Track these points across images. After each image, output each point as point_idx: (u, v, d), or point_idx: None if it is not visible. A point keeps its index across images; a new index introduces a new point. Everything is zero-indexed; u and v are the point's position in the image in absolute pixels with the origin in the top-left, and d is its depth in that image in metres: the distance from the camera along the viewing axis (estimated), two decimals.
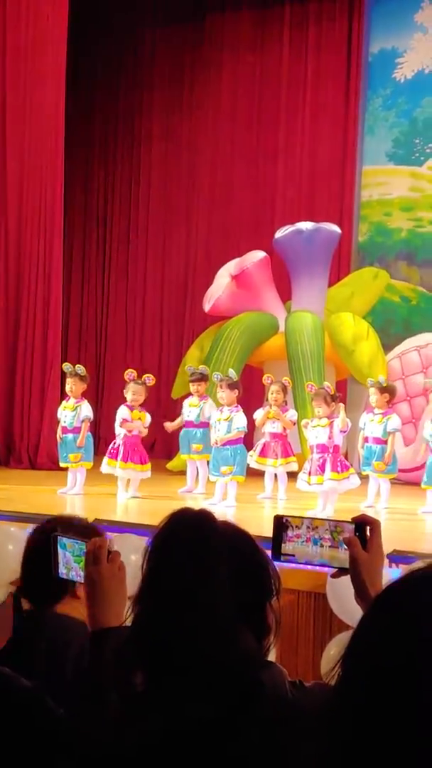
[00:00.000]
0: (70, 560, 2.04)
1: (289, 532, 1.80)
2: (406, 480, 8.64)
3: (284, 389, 7.68)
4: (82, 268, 12.65)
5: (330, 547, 1.77)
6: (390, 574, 4.23)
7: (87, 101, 12.25)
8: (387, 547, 4.55)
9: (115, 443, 7.63)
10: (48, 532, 2.30)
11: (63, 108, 9.84)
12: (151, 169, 12.32)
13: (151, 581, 1.55)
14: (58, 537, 2.08)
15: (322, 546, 1.78)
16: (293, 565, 1.89)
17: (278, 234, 10.22)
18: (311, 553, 1.79)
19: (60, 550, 2.05)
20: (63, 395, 8.43)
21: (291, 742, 1.39)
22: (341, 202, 11.28)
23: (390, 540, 5.23)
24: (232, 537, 1.58)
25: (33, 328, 9.78)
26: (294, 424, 7.74)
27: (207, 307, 10.39)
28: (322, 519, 1.83)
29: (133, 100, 12.36)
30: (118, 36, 12.32)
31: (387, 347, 9.77)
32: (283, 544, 1.80)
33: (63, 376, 8.65)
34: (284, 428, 7.60)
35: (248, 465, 7.47)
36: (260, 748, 1.41)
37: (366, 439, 7.37)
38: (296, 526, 1.80)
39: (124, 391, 7.70)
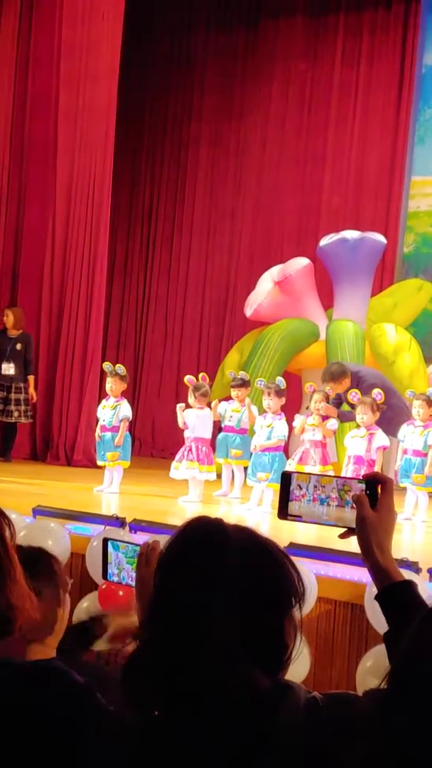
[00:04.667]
0: (122, 561, 2.06)
1: (296, 492, 1.73)
2: None
3: (326, 398, 7.66)
4: (125, 268, 12.71)
5: (337, 506, 1.71)
6: (429, 588, 4.20)
7: (138, 102, 12.32)
8: (427, 561, 4.52)
9: (186, 447, 7.59)
10: None
11: (115, 108, 9.89)
12: (198, 171, 12.35)
13: (158, 602, 1.49)
14: (110, 540, 2.11)
15: (329, 505, 1.71)
16: (301, 523, 1.80)
17: (323, 242, 10.19)
18: (318, 513, 1.72)
19: (113, 552, 2.07)
20: (101, 393, 8.46)
21: None
22: (387, 211, 11.24)
23: (430, 554, 5.20)
24: (246, 550, 1.48)
25: (75, 326, 9.84)
26: (334, 432, 7.71)
27: (248, 312, 10.38)
28: (330, 476, 1.76)
29: (183, 103, 12.41)
30: (172, 39, 12.38)
31: (429, 359, 9.70)
32: (290, 503, 1.74)
33: (102, 374, 8.69)
34: (324, 436, 7.57)
35: None
36: None
37: (405, 451, 7.32)
38: (303, 485, 1.74)
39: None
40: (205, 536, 1.49)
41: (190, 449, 7.52)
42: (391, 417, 7.41)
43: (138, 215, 12.66)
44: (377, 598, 1.66)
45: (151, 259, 12.60)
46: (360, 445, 7.14)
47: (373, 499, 1.67)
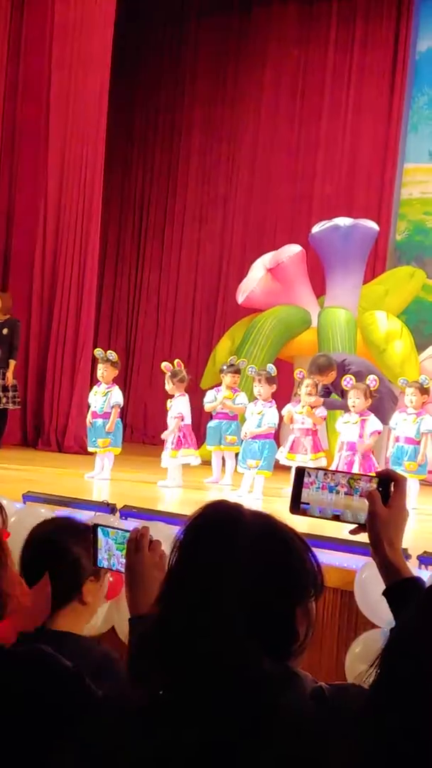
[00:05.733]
0: (112, 547, 2.05)
1: (305, 479, 1.74)
2: None
3: (315, 386, 7.66)
4: (117, 255, 12.68)
5: (346, 494, 1.71)
6: (420, 576, 4.21)
7: (129, 88, 12.25)
8: (416, 548, 4.53)
9: (177, 434, 7.56)
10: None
11: (107, 93, 9.85)
12: (190, 158, 12.31)
13: (171, 583, 1.51)
14: (100, 526, 2.10)
15: (337, 493, 1.72)
16: (308, 516, 1.78)
17: (315, 229, 10.18)
18: (326, 500, 1.73)
19: (103, 538, 2.07)
20: (93, 380, 8.45)
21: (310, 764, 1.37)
22: (380, 199, 11.23)
23: (419, 541, 5.21)
24: (261, 536, 1.48)
25: (66, 313, 9.81)
26: (324, 419, 7.72)
27: (240, 298, 10.37)
28: (341, 471, 1.79)
29: (175, 90, 12.35)
30: (164, 24, 12.32)
31: (420, 347, 9.72)
32: (302, 490, 1.75)
33: (93, 361, 8.68)
34: (314, 423, 7.58)
35: (278, 461, 7.45)
36: None
37: (397, 439, 7.34)
38: (313, 473, 1.75)
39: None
40: (220, 521, 1.50)
41: (185, 436, 7.52)
42: (378, 405, 7.44)
43: (130, 201, 12.62)
44: (385, 593, 1.66)
45: (143, 246, 12.57)
46: (353, 431, 7.16)
47: (385, 496, 1.68)
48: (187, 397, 7.67)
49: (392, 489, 1.70)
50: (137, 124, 12.55)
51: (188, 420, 7.61)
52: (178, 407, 7.58)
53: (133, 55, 12.22)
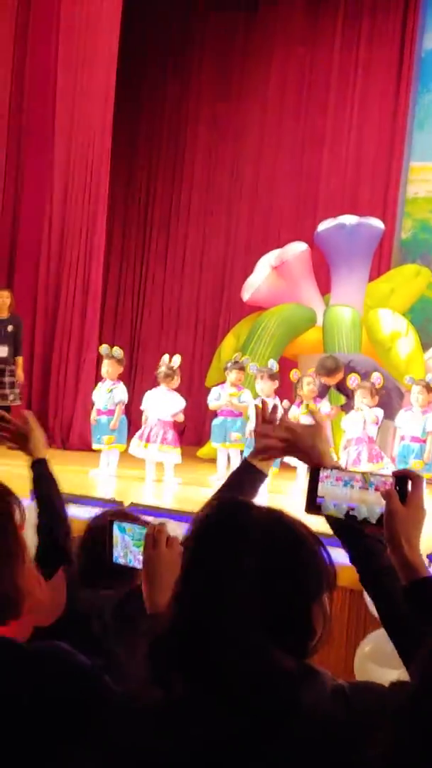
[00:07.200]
0: (129, 544, 2.04)
1: (321, 474, 1.76)
2: None
3: (314, 381, 7.71)
4: (122, 251, 12.64)
5: (360, 488, 1.73)
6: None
7: (135, 84, 12.21)
8: (425, 548, 4.52)
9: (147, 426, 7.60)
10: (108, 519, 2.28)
11: (113, 89, 9.82)
12: (196, 154, 12.27)
13: (184, 581, 1.50)
14: (116, 522, 2.08)
15: (352, 487, 1.73)
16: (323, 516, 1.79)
17: (320, 227, 10.16)
18: (341, 495, 1.74)
19: (119, 535, 2.05)
20: (98, 377, 8.44)
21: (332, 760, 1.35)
22: (385, 197, 11.19)
23: (426, 540, 5.22)
24: (273, 532, 1.47)
25: (72, 309, 9.80)
26: (329, 416, 7.72)
27: (246, 296, 10.35)
28: (356, 470, 1.79)
29: (181, 86, 12.31)
30: (171, 20, 12.27)
31: (425, 346, 9.69)
32: (318, 485, 1.76)
33: (98, 357, 8.67)
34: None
35: (285, 461, 7.45)
36: None
37: (402, 437, 7.33)
38: (327, 470, 1.76)
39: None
40: (230, 518, 1.49)
41: (150, 430, 7.58)
42: (385, 400, 7.47)
43: (135, 197, 12.58)
44: (403, 592, 1.65)
45: (148, 242, 12.54)
46: (357, 426, 7.21)
47: (402, 494, 1.68)
48: (162, 389, 7.70)
49: (409, 487, 1.69)
50: (143, 120, 12.51)
51: (159, 415, 7.62)
52: (147, 401, 7.62)
53: (139, 51, 12.17)
